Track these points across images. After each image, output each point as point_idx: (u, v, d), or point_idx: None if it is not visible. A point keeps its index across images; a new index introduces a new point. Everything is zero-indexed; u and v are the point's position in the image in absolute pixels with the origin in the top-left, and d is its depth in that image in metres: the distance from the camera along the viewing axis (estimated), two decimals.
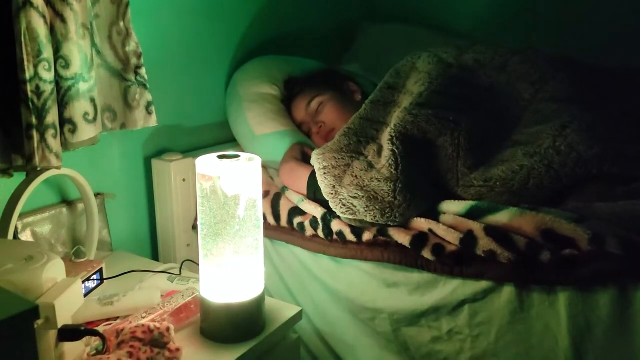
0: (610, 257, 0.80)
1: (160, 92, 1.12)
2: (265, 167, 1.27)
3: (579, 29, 1.49)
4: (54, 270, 0.72)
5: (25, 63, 0.83)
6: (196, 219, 1.20)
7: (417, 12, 1.75)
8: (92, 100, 0.93)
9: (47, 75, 0.85)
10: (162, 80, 1.17)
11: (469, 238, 0.89)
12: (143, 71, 1.01)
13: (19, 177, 0.92)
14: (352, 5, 1.80)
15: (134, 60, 1.00)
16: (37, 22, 0.83)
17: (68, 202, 1.07)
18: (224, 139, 1.36)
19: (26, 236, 1.00)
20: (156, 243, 1.24)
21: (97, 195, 1.09)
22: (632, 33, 1.40)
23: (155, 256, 1.25)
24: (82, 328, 0.72)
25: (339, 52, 1.73)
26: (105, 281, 0.99)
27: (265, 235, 1.12)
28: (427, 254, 0.92)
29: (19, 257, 0.71)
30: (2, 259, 0.69)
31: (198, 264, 0.86)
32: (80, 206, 1.07)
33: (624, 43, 1.40)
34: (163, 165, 1.17)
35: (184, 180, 1.18)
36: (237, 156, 0.82)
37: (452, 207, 0.96)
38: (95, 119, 0.94)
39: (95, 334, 0.73)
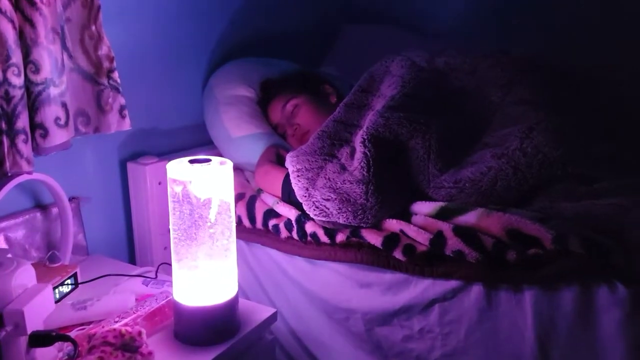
0: (573, 256, 0.83)
1: (136, 95, 1.12)
2: (241, 169, 1.28)
3: (552, 32, 1.52)
4: (24, 276, 0.73)
5: None
6: None
7: (396, 14, 1.76)
8: (64, 105, 0.93)
9: (17, 80, 0.85)
10: (138, 83, 1.17)
11: (438, 238, 0.91)
12: (116, 75, 1.01)
13: None
14: (332, 6, 1.81)
15: (106, 64, 1.00)
16: (5, 27, 0.83)
17: (42, 207, 1.07)
18: (200, 142, 1.37)
19: None
20: (133, 246, 1.24)
21: (71, 199, 1.08)
22: (603, 36, 1.43)
23: (132, 259, 1.25)
24: (53, 334, 0.72)
25: (319, 53, 1.74)
26: (80, 285, 0.99)
27: (241, 237, 1.13)
28: (398, 254, 0.94)
29: None
30: None
31: None
32: (55, 210, 1.07)
33: (595, 46, 1.43)
34: (138, 169, 1.17)
35: (159, 183, 1.18)
36: (209, 160, 0.83)
37: (422, 208, 0.99)
38: (67, 123, 0.94)
39: (66, 339, 0.73)
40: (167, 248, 1.22)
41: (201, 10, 1.36)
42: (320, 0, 1.76)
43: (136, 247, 1.23)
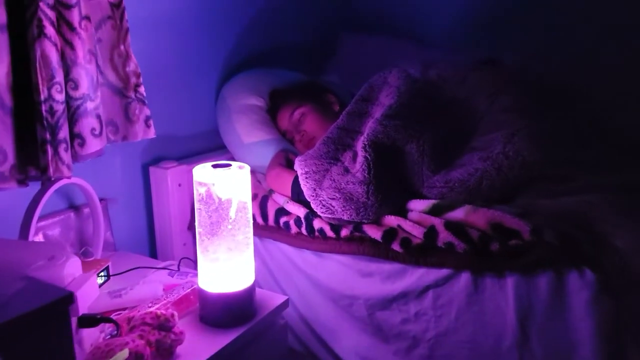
0: (548, 246, 0.94)
1: (157, 104, 1.23)
2: (253, 172, 1.39)
3: (547, 38, 1.57)
4: (73, 267, 0.84)
5: (40, 86, 0.94)
6: (191, 220, 1.32)
7: (394, 24, 1.85)
8: (98, 117, 1.04)
9: (59, 96, 0.96)
10: (158, 94, 1.28)
11: (431, 232, 1.03)
12: (142, 89, 1.12)
13: (33, 186, 1.03)
14: (332, 17, 1.91)
15: (133, 79, 1.11)
16: (50, 50, 0.94)
17: (75, 207, 1.18)
18: (215, 146, 1.48)
19: (39, 238, 1.10)
20: (154, 243, 1.36)
21: (101, 200, 1.20)
22: (591, 50, 1.49)
23: (153, 255, 1.36)
24: (98, 316, 0.84)
25: (321, 62, 1.84)
26: (112, 277, 1.11)
27: (255, 234, 1.23)
28: (396, 246, 1.05)
29: (43, 256, 0.83)
30: (30, 258, 0.80)
31: (194, 261, 0.97)
32: (86, 210, 1.18)
33: (590, 52, 1.47)
34: (160, 172, 1.29)
35: (179, 185, 1.30)
36: (229, 165, 0.94)
37: (417, 206, 1.10)
38: (101, 133, 1.05)
39: (110, 321, 0.85)
40: (186, 244, 1.34)
41: (213, 27, 1.46)
42: (321, 11, 1.86)
43: (157, 243, 1.35)
